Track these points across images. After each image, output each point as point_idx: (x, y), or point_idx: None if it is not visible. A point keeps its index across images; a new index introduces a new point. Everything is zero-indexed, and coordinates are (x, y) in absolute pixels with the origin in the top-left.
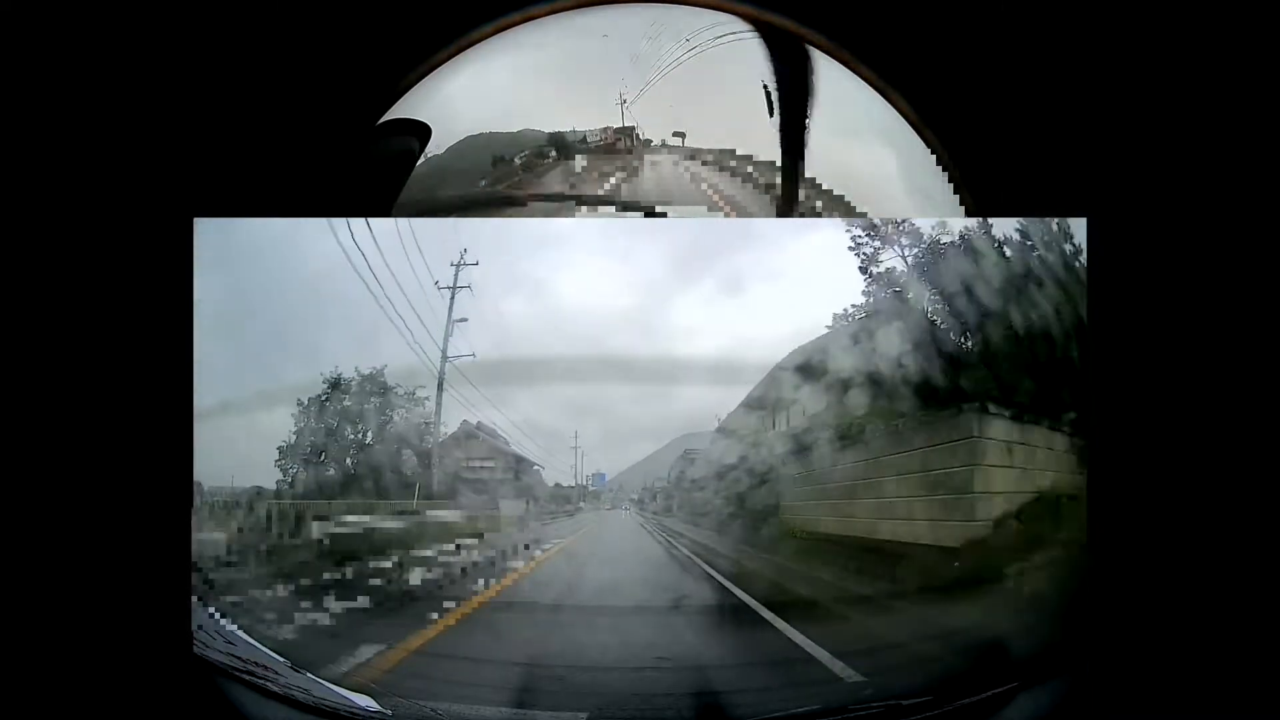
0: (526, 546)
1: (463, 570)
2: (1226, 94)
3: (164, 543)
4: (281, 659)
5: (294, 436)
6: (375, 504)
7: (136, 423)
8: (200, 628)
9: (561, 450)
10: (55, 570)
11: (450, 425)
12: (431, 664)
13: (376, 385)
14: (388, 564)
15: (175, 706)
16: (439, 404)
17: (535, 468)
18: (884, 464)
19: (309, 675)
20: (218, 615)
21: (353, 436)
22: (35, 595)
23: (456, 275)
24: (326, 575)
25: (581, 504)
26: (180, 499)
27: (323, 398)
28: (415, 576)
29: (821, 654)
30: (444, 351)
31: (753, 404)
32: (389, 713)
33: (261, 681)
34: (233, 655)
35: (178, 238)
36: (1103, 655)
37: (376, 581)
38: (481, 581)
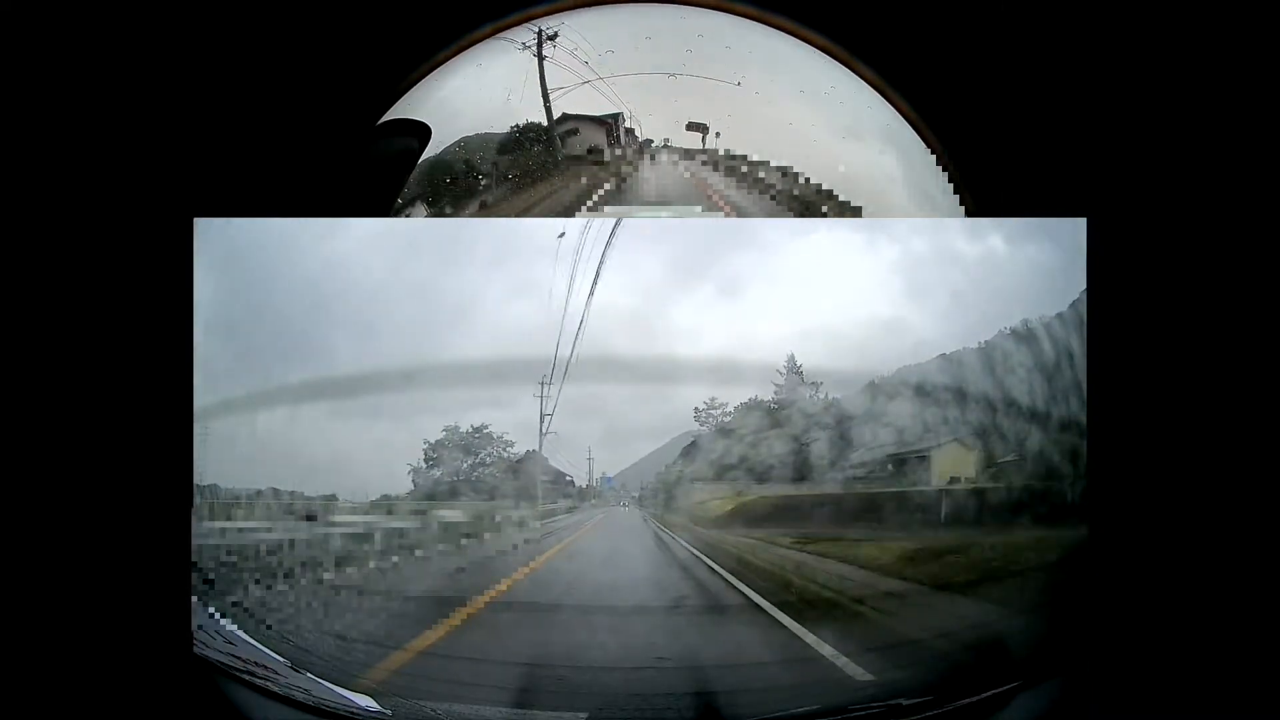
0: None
1: (545, 534)
2: (1226, 94)
3: (164, 543)
4: (281, 659)
5: (424, 462)
6: (486, 503)
7: (136, 422)
8: (200, 628)
9: (566, 450)
10: (56, 570)
11: (526, 447)
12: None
13: (483, 435)
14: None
15: (175, 706)
16: (540, 443)
17: (568, 477)
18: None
19: (309, 675)
20: (216, 615)
21: (467, 464)
22: (36, 595)
23: (543, 405)
24: (461, 541)
25: (593, 501)
26: (180, 499)
27: (444, 440)
28: (517, 540)
29: (666, 532)
30: (544, 427)
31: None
32: (389, 713)
33: (261, 681)
34: (233, 655)
35: (178, 238)
36: (1103, 655)
37: (497, 547)
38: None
